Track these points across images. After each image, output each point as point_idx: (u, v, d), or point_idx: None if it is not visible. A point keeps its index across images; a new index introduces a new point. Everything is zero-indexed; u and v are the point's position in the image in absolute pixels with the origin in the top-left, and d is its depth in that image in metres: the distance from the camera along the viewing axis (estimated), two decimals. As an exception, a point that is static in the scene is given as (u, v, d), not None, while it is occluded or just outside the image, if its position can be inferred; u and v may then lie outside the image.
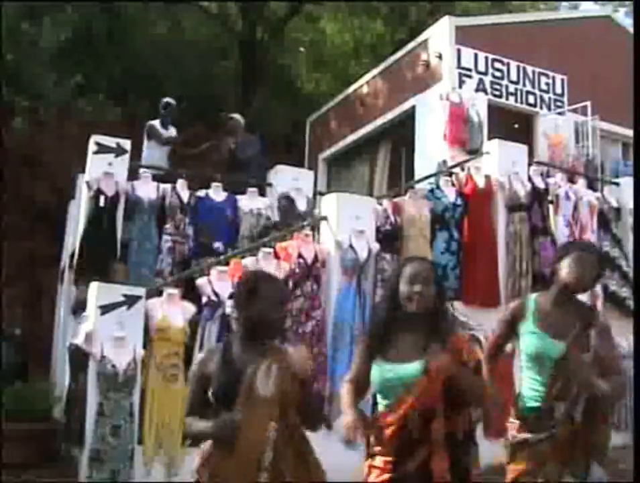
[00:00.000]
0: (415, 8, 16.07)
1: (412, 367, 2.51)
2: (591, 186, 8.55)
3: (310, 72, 17.14)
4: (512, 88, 10.88)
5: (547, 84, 11.17)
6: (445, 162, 9.21)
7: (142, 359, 5.30)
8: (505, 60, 10.81)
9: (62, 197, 9.18)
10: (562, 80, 11.23)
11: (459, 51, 10.42)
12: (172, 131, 8.13)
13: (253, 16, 14.47)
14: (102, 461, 4.98)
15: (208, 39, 15.65)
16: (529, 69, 11.00)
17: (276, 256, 6.08)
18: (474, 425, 2.62)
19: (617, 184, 8.38)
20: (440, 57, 10.46)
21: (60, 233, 8.61)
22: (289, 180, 7.61)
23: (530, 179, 7.36)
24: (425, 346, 2.52)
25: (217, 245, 6.80)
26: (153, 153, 7.87)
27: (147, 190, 6.77)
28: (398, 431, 2.51)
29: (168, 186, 6.93)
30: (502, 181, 7.13)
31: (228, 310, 5.47)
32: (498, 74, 10.75)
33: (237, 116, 8.57)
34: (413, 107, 10.95)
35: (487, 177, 7.17)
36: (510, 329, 3.08)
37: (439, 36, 10.65)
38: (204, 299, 5.69)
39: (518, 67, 10.92)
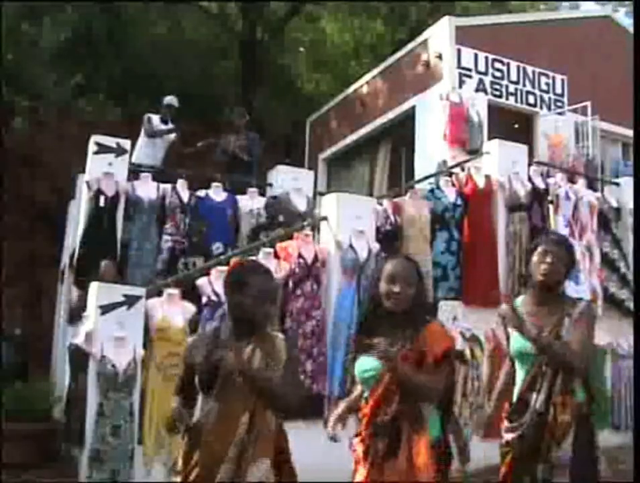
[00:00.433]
0: (415, 8, 16.08)
1: (377, 360, 2.62)
2: (591, 186, 8.54)
3: (310, 72, 17.14)
4: (512, 88, 10.88)
5: (547, 84, 11.17)
6: (445, 162, 9.21)
7: (142, 359, 5.30)
8: (505, 60, 10.81)
9: (62, 197, 9.17)
10: (562, 80, 11.24)
11: (459, 51, 10.42)
12: (171, 128, 8.10)
13: (253, 16, 14.47)
14: (102, 461, 4.98)
15: (208, 39, 15.65)
16: (529, 69, 11.01)
17: (276, 256, 6.07)
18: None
19: (617, 184, 8.37)
20: (440, 57, 10.47)
21: (60, 233, 8.61)
22: (289, 180, 7.61)
23: (530, 179, 7.36)
24: (395, 340, 2.62)
25: (217, 245, 6.80)
26: (143, 146, 7.85)
27: (147, 190, 6.76)
28: (372, 418, 2.62)
29: (168, 186, 6.93)
30: (502, 181, 7.13)
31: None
32: (498, 74, 10.75)
33: (241, 110, 8.52)
34: (413, 107, 10.96)
35: (487, 177, 7.17)
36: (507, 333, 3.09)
37: (439, 36, 10.65)
38: (204, 299, 5.69)
39: (518, 67, 10.92)
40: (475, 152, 8.91)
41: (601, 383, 6.85)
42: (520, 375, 2.97)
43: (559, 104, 11.18)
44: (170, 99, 8.24)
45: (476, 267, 6.81)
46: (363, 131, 12.48)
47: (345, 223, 6.27)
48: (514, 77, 10.89)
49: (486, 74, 10.61)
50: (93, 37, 12.77)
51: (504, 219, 7.10)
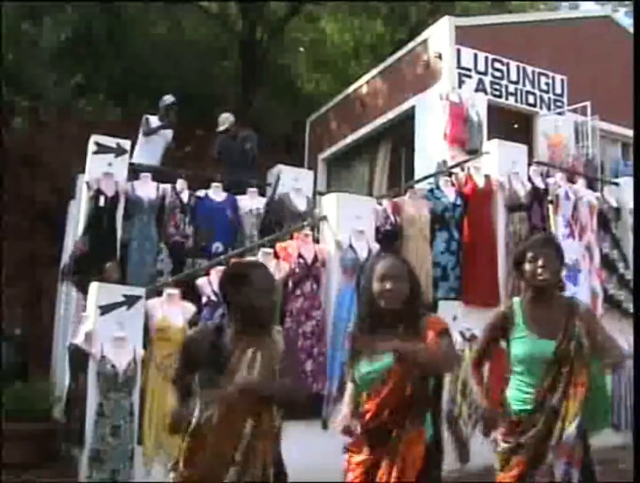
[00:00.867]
0: (415, 8, 16.08)
1: (386, 359, 2.61)
2: (591, 186, 8.54)
3: (310, 72, 17.15)
4: (512, 88, 10.88)
5: (547, 84, 11.17)
6: (444, 161, 9.21)
7: (142, 359, 5.30)
8: (505, 60, 10.81)
9: (62, 197, 9.16)
10: (562, 80, 11.24)
11: (458, 51, 10.42)
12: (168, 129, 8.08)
13: (253, 16, 14.48)
14: (102, 461, 4.98)
15: (208, 39, 15.65)
16: (529, 69, 11.01)
17: (276, 256, 6.08)
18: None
19: (617, 184, 8.38)
20: (440, 57, 10.47)
21: (60, 233, 8.61)
22: (289, 180, 7.61)
23: (530, 179, 7.36)
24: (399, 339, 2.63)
25: (217, 245, 6.80)
26: (142, 145, 7.83)
27: (147, 190, 6.76)
28: (373, 418, 2.62)
29: (168, 186, 6.92)
30: (502, 181, 7.13)
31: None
32: (497, 74, 10.75)
33: (223, 118, 8.46)
34: (413, 107, 10.96)
35: (487, 177, 7.17)
36: (497, 335, 3.09)
37: (439, 36, 10.65)
38: (204, 299, 5.69)
39: (518, 67, 10.92)
40: (475, 152, 8.91)
41: (601, 383, 6.85)
42: (526, 378, 2.93)
43: (558, 104, 11.18)
44: (167, 99, 8.14)
45: (476, 267, 6.81)
46: (363, 131, 12.48)
47: (345, 223, 6.28)
48: (513, 77, 10.89)
49: (485, 74, 10.62)
50: (93, 37, 12.76)
51: (503, 219, 7.10)
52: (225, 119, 8.30)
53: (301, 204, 7.35)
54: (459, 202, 7.00)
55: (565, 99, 11.20)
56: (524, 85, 10.98)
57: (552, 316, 2.94)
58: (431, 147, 10.03)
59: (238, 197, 7.22)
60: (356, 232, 6.24)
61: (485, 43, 10.62)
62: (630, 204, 7.74)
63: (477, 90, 10.44)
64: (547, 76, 11.16)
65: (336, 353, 5.88)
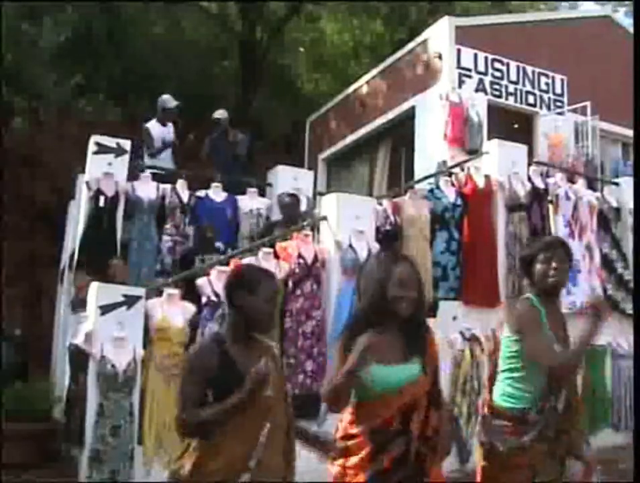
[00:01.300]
0: (415, 8, 16.08)
1: (413, 368, 2.60)
2: (591, 186, 8.54)
3: (310, 72, 17.16)
4: (511, 88, 10.89)
5: (547, 84, 11.17)
6: (444, 162, 9.21)
7: (142, 359, 5.29)
8: (505, 60, 10.81)
9: (62, 197, 9.17)
10: (562, 80, 11.24)
11: (458, 51, 10.42)
12: (170, 130, 8.06)
13: (253, 16, 14.48)
14: (102, 461, 4.97)
15: (208, 39, 15.66)
16: (529, 69, 11.01)
17: (276, 256, 6.08)
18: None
19: (617, 184, 8.36)
20: (440, 57, 10.47)
21: (60, 233, 8.61)
22: (289, 180, 7.60)
23: (530, 179, 7.36)
24: (413, 348, 2.63)
25: (217, 244, 6.82)
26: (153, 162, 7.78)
27: (147, 190, 6.76)
28: (383, 426, 2.57)
29: (168, 186, 6.93)
30: (502, 181, 7.13)
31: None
32: (497, 74, 10.75)
33: (215, 118, 8.44)
34: (413, 107, 10.96)
35: (487, 177, 7.17)
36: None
37: (439, 36, 10.65)
38: (204, 299, 5.68)
39: (518, 67, 10.92)
40: (474, 152, 8.90)
41: (601, 383, 6.86)
42: (528, 376, 2.92)
43: (558, 104, 11.18)
44: (168, 101, 8.01)
45: (476, 267, 6.81)
46: (363, 131, 12.48)
47: (345, 223, 6.27)
48: (513, 77, 10.90)
49: (485, 74, 10.62)
50: (93, 37, 12.77)
51: (503, 219, 7.09)
52: (220, 115, 8.31)
53: (301, 205, 7.35)
54: (459, 202, 7.00)
55: (565, 99, 11.21)
56: (524, 85, 10.98)
57: (558, 317, 2.98)
58: (431, 147, 10.03)
59: (238, 197, 7.23)
60: (356, 232, 6.24)
61: (485, 43, 10.62)
62: (630, 204, 7.74)
63: (477, 90, 10.45)
64: (547, 76, 11.16)
65: (336, 353, 5.87)
